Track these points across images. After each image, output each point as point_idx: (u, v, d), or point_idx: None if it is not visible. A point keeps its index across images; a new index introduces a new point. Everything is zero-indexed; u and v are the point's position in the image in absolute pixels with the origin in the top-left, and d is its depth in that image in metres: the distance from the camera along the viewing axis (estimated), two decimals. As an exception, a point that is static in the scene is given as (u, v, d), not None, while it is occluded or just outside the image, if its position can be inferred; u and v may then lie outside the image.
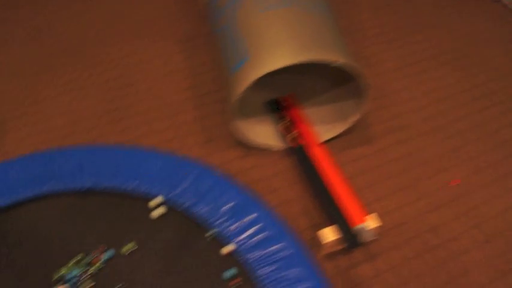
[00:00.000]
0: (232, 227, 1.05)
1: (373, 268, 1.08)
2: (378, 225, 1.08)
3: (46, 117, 1.43)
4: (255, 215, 1.05)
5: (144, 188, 1.15)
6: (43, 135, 1.38)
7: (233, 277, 1.00)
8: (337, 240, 1.04)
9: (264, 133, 1.31)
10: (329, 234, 1.04)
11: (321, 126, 1.32)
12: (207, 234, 1.07)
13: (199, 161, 1.23)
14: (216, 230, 1.06)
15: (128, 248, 1.06)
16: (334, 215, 1.08)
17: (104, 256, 1.03)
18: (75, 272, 0.99)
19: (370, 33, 1.69)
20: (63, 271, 1.01)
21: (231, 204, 1.08)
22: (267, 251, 1.00)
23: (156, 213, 1.12)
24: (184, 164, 1.15)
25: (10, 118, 1.44)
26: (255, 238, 1.03)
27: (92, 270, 1.01)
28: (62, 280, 1.00)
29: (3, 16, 1.77)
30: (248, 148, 1.32)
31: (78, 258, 1.04)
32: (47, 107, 1.46)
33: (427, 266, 1.09)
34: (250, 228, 1.04)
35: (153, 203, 1.13)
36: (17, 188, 1.10)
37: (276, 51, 1.11)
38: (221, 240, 1.07)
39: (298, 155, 1.22)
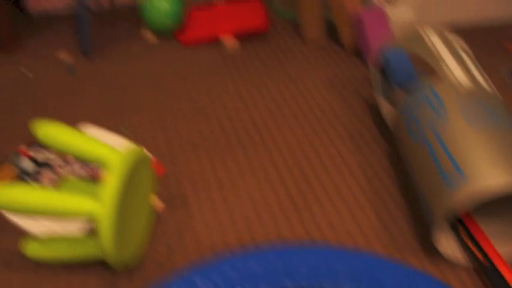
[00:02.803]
0: None
1: None
2: None
3: (231, 202, 1.48)
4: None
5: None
6: (230, 221, 1.43)
7: None
8: None
9: (450, 244, 1.32)
10: None
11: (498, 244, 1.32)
12: None
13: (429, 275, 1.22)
14: None
15: None
16: None
17: None
18: None
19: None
20: None
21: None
22: None
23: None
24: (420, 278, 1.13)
25: (194, 198, 1.49)
26: None
27: None
28: None
29: (163, 97, 1.86)
30: (432, 257, 1.34)
31: None
32: (231, 189, 1.52)
33: None
34: None
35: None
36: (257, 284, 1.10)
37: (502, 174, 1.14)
38: None
39: (489, 275, 1.21)
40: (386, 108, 1.68)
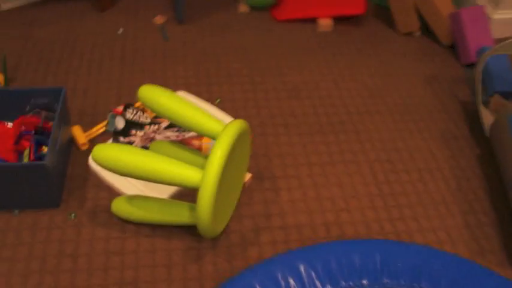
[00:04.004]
0: None
1: None
2: None
3: (319, 184, 1.47)
4: None
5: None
6: (317, 203, 1.41)
7: None
8: None
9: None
10: None
11: None
12: None
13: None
14: None
15: None
16: None
17: None
18: None
19: None
20: None
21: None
22: None
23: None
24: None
25: (283, 176, 1.48)
26: None
27: None
28: None
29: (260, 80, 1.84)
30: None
31: None
32: (319, 170, 1.50)
33: None
34: None
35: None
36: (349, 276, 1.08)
37: None
38: None
39: None
40: (485, 112, 1.62)
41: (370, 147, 1.56)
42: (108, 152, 1.11)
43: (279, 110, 1.65)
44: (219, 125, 1.17)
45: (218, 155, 1.07)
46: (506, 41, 1.57)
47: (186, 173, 1.08)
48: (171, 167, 1.09)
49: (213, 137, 1.17)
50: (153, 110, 1.23)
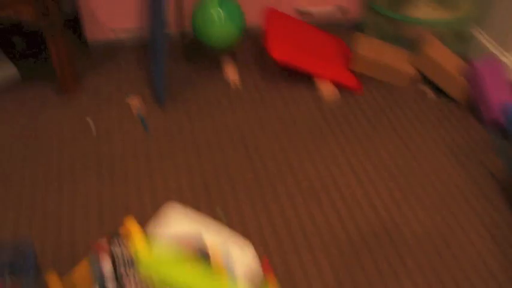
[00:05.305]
0: None
1: None
2: None
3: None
4: None
5: None
6: None
7: None
8: None
9: None
10: None
11: None
12: None
13: None
14: None
15: None
16: None
17: None
18: None
19: None
20: None
21: None
22: None
23: None
24: None
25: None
26: None
27: None
28: None
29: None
30: None
31: None
32: (306, 272, 1.20)
33: None
34: None
35: None
36: None
37: None
38: None
39: None
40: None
41: (410, 259, 1.34)
42: None
43: (298, 222, 1.40)
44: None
45: None
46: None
47: None
48: None
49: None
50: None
